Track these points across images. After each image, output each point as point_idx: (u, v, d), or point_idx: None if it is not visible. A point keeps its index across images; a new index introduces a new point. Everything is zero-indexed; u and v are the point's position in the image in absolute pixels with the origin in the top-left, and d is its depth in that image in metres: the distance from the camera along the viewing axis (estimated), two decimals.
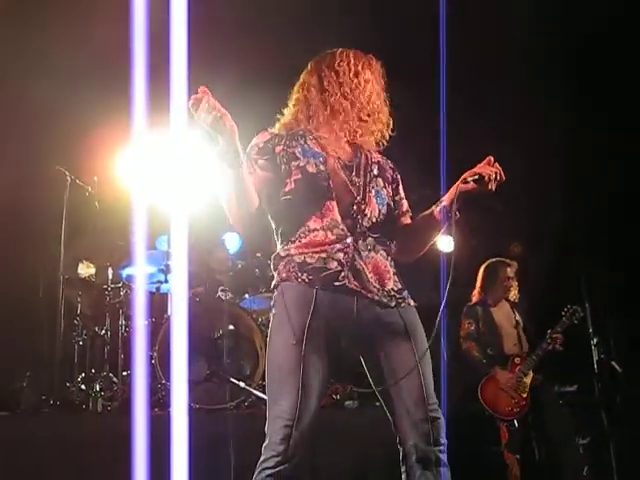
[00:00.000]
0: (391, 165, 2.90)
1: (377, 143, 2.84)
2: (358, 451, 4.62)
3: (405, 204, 2.89)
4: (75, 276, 6.13)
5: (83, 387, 5.39)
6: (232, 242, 7.16)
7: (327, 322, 2.52)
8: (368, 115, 2.76)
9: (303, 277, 2.55)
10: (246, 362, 5.23)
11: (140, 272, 5.67)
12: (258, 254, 6.37)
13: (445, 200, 2.66)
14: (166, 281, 5.68)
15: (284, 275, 2.60)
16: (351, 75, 2.75)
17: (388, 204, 2.76)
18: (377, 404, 5.09)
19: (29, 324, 6.41)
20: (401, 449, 2.59)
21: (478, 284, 6.00)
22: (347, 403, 5.39)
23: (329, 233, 2.59)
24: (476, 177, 2.57)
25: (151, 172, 7.24)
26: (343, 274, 2.55)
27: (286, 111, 2.85)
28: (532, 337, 5.79)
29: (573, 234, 6.66)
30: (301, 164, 2.67)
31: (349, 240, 2.59)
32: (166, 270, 5.64)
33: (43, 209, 6.69)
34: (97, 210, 6.35)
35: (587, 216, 6.64)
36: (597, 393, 5.91)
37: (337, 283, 2.54)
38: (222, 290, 6.03)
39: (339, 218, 2.61)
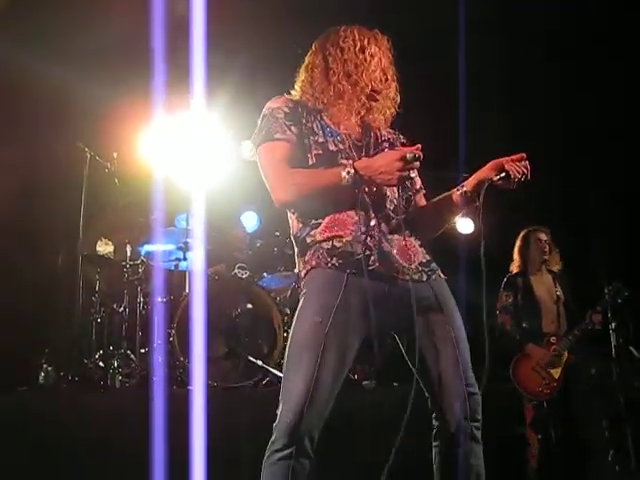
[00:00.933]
0: (402, 140, 2.83)
1: (387, 120, 2.77)
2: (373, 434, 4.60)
3: (418, 181, 2.82)
4: (94, 253, 6.14)
5: (101, 364, 5.41)
6: (250, 221, 7.17)
7: (357, 305, 2.46)
8: (375, 92, 2.69)
9: (333, 262, 2.50)
10: (264, 341, 5.22)
11: (159, 249, 5.72)
12: (277, 233, 6.36)
13: (467, 187, 2.58)
14: (184, 259, 5.67)
15: (314, 263, 2.55)
16: (356, 51, 2.67)
17: (405, 185, 2.70)
18: (395, 384, 5.16)
19: (48, 301, 6.45)
20: (436, 424, 2.56)
21: (515, 255, 5.87)
22: (365, 383, 5.37)
23: (352, 213, 2.54)
24: (503, 175, 2.51)
25: (171, 150, 7.26)
26: (373, 258, 2.50)
27: (293, 92, 2.77)
28: (572, 315, 5.67)
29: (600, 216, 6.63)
30: (320, 140, 2.62)
31: (373, 222, 2.55)
32: (185, 248, 5.63)
33: (63, 185, 6.71)
34: (116, 187, 6.35)
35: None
36: (615, 377, 5.84)
37: (369, 268, 2.48)
38: (240, 268, 6.03)
39: (367, 199, 2.56)
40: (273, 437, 2.44)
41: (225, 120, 7.09)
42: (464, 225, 7.07)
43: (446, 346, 2.52)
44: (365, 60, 2.67)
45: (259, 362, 4.95)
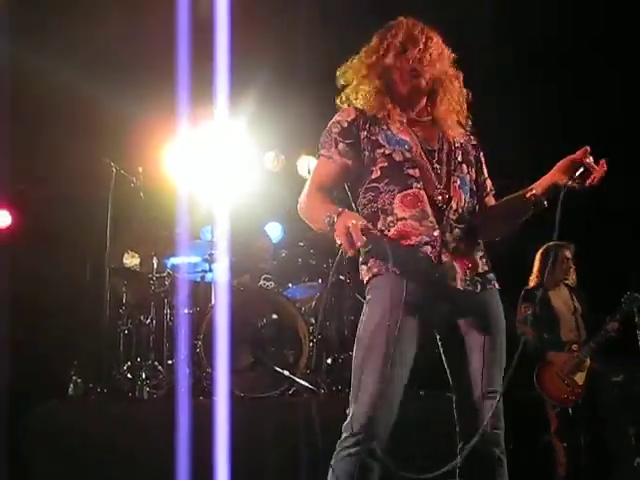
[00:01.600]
0: (474, 143, 2.79)
1: (458, 117, 2.73)
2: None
3: (489, 184, 2.80)
4: (121, 266, 6.21)
5: (129, 375, 5.45)
6: (274, 231, 7.21)
7: (416, 311, 2.49)
8: (435, 81, 2.66)
9: (394, 269, 2.49)
10: (290, 351, 5.24)
11: (185, 262, 5.76)
12: (300, 243, 6.38)
13: (537, 190, 2.52)
14: (210, 270, 5.72)
15: (375, 270, 2.57)
16: (421, 46, 2.61)
17: (471, 189, 2.68)
18: (421, 392, 5.15)
19: (76, 313, 6.52)
20: (457, 428, 2.60)
21: (536, 268, 5.86)
22: None
23: (418, 224, 2.54)
24: (582, 170, 2.39)
25: (195, 163, 7.32)
26: (433, 268, 2.52)
27: (353, 94, 2.73)
28: (590, 324, 5.66)
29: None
30: (387, 152, 2.60)
31: (436, 233, 2.54)
32: (210, 259, 5.67)
33: (89, 200, 6.78)
34: (142, 201, 6.41)
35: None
36: None
37: (429, 278, 2.51)
38: (265, 279, 6.06)
39: (429, 209, 2.55)
40: (344, 435, 2.46)
41: (249, 131, 7.15)
42: None
43: (473, 351, 2.55)
44: (419, 51, 2.61)
45: (285, 372, 4.97)
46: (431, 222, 2.53)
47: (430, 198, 2.56)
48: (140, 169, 6.53)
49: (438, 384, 3.40)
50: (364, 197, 2.66)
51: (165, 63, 5.85)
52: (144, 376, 5.30)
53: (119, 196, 5.96)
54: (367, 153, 2.62)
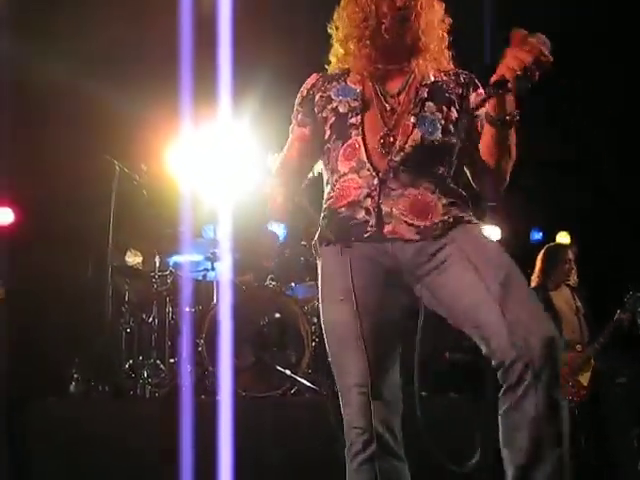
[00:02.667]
0: (462, 81, 2.43)
1: (439, 61, 2.41)
2: None
3: (473, 103, 2.39)
4: (123, 264, 6.20)
5: (131, 374, 5.45)
6: (277, 230, 7.18)
7: (367, 278, 2.25)
8: (417, 36, 2.36)
9: (329, 236, 2.33)
10: (292, 350, 5.22)
11: (187, 260, 5.75)
12: (303, 242, 6.36)
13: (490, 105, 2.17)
14: (212, 269, 5.70)
15: (317, 236, 2.40)
16: None
17: (444, 128, 2.32)
18: (423, 393, 5.13)
19: (78, 312, 6.51)
20: (501, 372, 2.05)
21: (537, 268, 5.83)
22: None
23: (356, 176, 2.30)
24: (502, 81, 2.03)
25: (198, 161, 7.31)
26: (371, 222, 2.26)
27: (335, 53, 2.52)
28: (593, 324, 5.64)
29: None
30: (334, 105, 2.41)
31: (375, 181, 2.27)
32: (213, 258, 5.66)
33: (91, 198, 6.77)
34: (145, 198, 6.40)
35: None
36: None
37: (366, 234, 2.26)
38: (270, 279, 6.06)
39: (364, 157, 2.29)
40: (348, 443, 2.26)
41: (253, 131, 7.13)
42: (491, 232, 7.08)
43: (464, 278, 2.17)
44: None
45: (287, 371, 4.96)
46: (368, 170, 2.28)
47: (372, 144, 2.31)
48: (143, 167, 6.52)
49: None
50: (324, 161, 2.48)
51: (168, 61, 5.84)
52: (146, 374, 5.30)
53: (122, 194, 5.95)
54: (320, 114, 2.44)
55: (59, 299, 5.50)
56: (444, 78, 2.43)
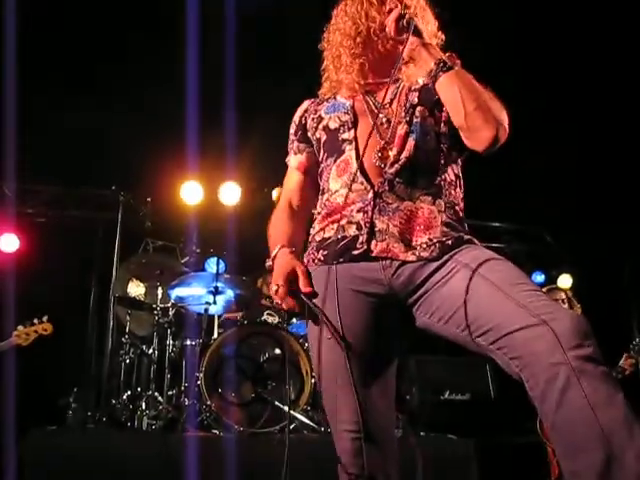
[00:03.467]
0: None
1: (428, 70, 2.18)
2: None
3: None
4: (125, 294, 6.21)
5: (129, 405, 5.44)
6: None
7: (356, 314, 2.09)
8: (378, 31, 2.27)
9: (319, 256, 2.16)
10: (291, 386, 5.22)
11: (189, 293, 5.76)
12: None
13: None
14: (214, 303, 5.71)
15: (305, 260, 2.22)
16: (354, 7, 2.32)
17: (437, 133, 2.21)
18: (422, 434, 5.12)
19: (79, 341, 6.52)
20: (529, 368, 1.80)
21: None
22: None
23: (348, 191, 2.14)
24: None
25: (204, 196, 7.37)
26: (361, 239, 2.09)
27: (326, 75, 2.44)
28: None
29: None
30: (324, 123, 2.32)
31: (370, 195, 2.12)
32: (215, 292, 5.67)
33: (97, 227, 6.83)
34: (149, 230, 6.44)
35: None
36: None
37: (355, 252, 2.09)
38: (269, 314, 6.06)
39: (358, 170, 2.15)
40: None
41: (256, 166, 7.18)
42: None
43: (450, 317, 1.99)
44: (360, 3, 2.30)
45: (286, 408, 4.94)
46: (362, 184, 2.14)
47: (367, 158, 2.16)
48: (149, 199, 6.58)
49: None
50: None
51: (179, 98, 5.94)
52: (144, 406, 5.29)
53: (127, 224, 5.99)
54: (314, 136, 2.36)
55: (61, 327, 5.48)
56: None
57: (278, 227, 2.35)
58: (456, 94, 2.05)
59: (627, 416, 1.68)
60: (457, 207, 2.19)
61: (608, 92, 6.51)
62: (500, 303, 1.88)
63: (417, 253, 2.06)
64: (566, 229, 8.18)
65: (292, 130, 2.48)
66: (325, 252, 2.16)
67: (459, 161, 2.29)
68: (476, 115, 2.04)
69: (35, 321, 5.08)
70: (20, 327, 5.05)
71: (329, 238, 2.16)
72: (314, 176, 2.41)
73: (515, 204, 7.60)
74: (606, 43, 6.15)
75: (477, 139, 2.07)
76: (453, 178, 2.22)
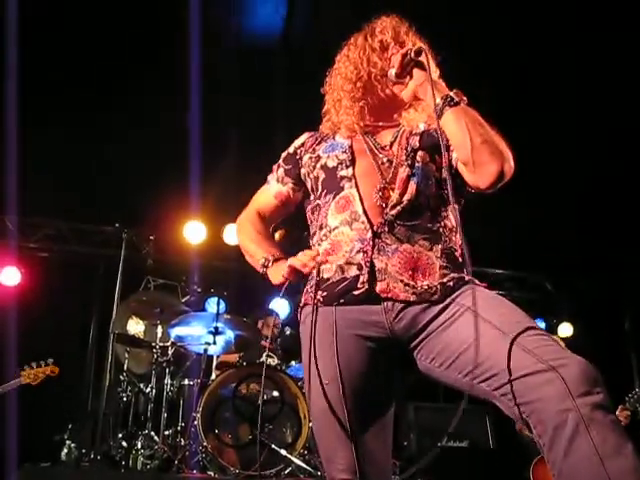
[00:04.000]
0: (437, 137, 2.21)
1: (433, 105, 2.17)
2: None
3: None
4: (124, 332, 6.20)
5: (124, 443, 5.40)
6: (282, 308, 7.19)
7: (355, 358, 2.06)
8: (379, 76, 2.31)
9: (318, 297, 2.13)
10: (289, 430, 5.18)
11: (189, 332, 5.75)
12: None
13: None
14: (214, 343, 5.68)
15: (303, 298, 2.21)
16: (355, 48, 2.37)
17: (438, 178, 2.21)
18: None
19: (76, 377, 6.49)
20: (535, 416, 1.77)
21: None
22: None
23: (349, 229, 2.13)
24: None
25: (207, 233, 7.39)
26: (362, 279, 2.06)
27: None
28: None
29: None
30: (322, 162, 2.32)
31: (369, 235, 2.09)
32: (215, 332, 5.64)
33: (98, 263, 6.83)
34: (151, 268, 6.44)
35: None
36: None
37: (357, 292, 2.06)
38: (268, 356, 6.04)
39: (360, 209, 2.13)
40: None
41: None
42: None
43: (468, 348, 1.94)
44: (363, 49, 2.35)
45: (282, 451, 4.90)
46: (362, 223, 2.11)
47: (368, 197, 2.15)
48: (152, 237, 6.59)
49: None
50: (310, 221, 2.36)
51: (181, 138, 6.01)
52: (139, 445, 5.24)
53: (129, 261, 5.99)
54: (312, 175, 2.34)
55: (59, 361, 5.46)
56: (433, 125, 2.27)
57: (260, 235, 2.43)
58: (463, 127, 2.03)
59: (636, 467, 1.64)
60: (456, 253, 2.16)
61: (605, 141, 6.56)
62: (505, 348, 1.84)
63: (418, 293, 2.03)
64: (567, 277, 8.19)
65: (283, 156, 2.50)
66: (325, 293, 2.12)
67: (459, 207, 2.25)
68: (483, 149, 2.01)
69: (42, 363, 5.09)
70: (27, 367, 5.05)
71: (329, 279, 2.13)
72: (287, 208, 2.50)
73: (516, 251, 7.63)
74: (604, 90, 6.20)
75: (483, 173, 2.04)
76: (454, 224, 2.19)
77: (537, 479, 5.48)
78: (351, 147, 2.31)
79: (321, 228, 2.24)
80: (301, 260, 2.14)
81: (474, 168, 2.04)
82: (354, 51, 2.37)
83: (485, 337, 1.90)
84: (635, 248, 7.14)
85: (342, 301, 2.09)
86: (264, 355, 5.96)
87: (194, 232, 7.33)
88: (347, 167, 2.24)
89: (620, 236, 7.17)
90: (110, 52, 5.97)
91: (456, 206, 2.15)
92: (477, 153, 2.01)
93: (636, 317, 7.87)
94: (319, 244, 2.22)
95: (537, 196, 6.65)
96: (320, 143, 2.41)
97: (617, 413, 5.31)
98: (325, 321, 2.11)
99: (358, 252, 2.09)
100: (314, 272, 2.16)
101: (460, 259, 2.15)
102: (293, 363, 5.86)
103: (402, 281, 2.04)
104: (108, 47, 5.95)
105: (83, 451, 5.29)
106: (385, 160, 2.24)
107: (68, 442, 5.39)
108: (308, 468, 4.89)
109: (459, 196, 2.24)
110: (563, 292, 8.40)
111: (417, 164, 2.19)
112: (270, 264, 2.26)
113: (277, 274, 2.22)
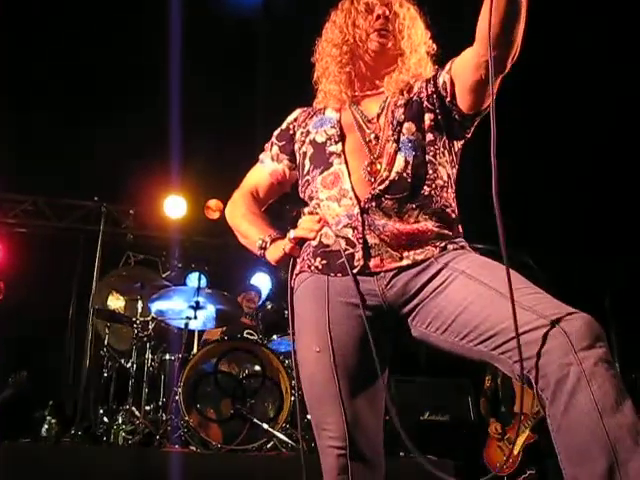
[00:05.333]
0: (432, 88, 2.21)
1: (418, 74, 2.27)
2: None
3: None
4: (104, 307, 6.15)
5: (105, 419, 5.38)
6: (264, 282, 7.17)
7: (347, 326, 2.07)
8: (378, 54, 2.30)
9: (316, 264, 2.14)
10: (271, 404, 5.17)
11: (169, 307, 5.71)
12: None
13: None
14: (195, 317, 5.65)
15: (299, 266, 2.20)
16: (340, 18, 2.35)
17: (425, 146, 2.18)
18: (402, 454, 5.07)
19: (57, 353, 6.45)
20: (536, 373, 1.75)
21: None
22: None
23: (336, 204, 2.14)
24: None
25: (188, 208, 7.34)
26: (357, 256, 2.07)
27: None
28: None
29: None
30: (311, 137, 2.31)
31: (356, 211, 2.10)
32: (196, 306, 5.61)
33: (77, 238, 6.77)
34: (131, 243, 6.39)
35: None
36: None
37: (354, 270, 2.06)
38: (249, 333, 6.04)
39: (349, 185, 2.14)
40: None
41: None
42: None
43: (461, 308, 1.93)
44: (348, 12, 2.34)
45: (264, 425, 4.90)
46: (350, 199, 2.11)
47: (356, 173, 2.16)
48: (131, 211, 6.53)
49: None
50: (302, 198, 2.35)
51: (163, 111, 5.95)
52: (120, 421, 5.21)
53: (109, 237, 5.95)
54: (301, 150, 2.34)
55: (38, 339, 5.44)
56: (416, 91, 2.26)
57: (255, 215, 2.39)
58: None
59: (635, 424, 1.64)
60: (449, 209, 2.16)
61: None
62: (504, 307, 1.81)
63: (411, 257, 2.04)
64: (548, 255, 8.20)
65: (276, 133, 2.49)
66: (325, 262, 2.12)
67: (453, 156, 2.26)
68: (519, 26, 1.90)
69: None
70: None
71: (327, 246, 2.13)
72: (282, 187, 2.48)
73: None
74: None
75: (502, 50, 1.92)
76: (445, 179, 2.19)
77: (487, 452, 5.73)
78: (339, 122, 2.28)
79: (311, 199, 2.25)
80: (305, 227, 2.15)
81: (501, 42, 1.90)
82: (340, 15, 2.36)
83: (481, 298, 1.88)
84: (616, 231, 7.17)
85: (340, 275, 2.09)
86: (245, 332, 5.96)
87: (174, 207, 7.27)
88: (336, 143, 2.23)
89: (600, 219, 7.20)
90: (93, 31, 5.90)
91: (453, 156, 2.23)
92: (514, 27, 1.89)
93: (616, 295, 7.89)
94: (311, 213, 2.23)
95: (520, 173, 6.65)
96: (312, 118, 2.38)
97: None
98: (318, 289, 2.12)
99: (345, 226, 2.10)
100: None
101: (454, 214, 2.16)
102: (275, 337, 5.84)
103: (394, 253, 2.05)
104: (90, 27, 5.88)
105: (64, 427, 5.26)
106: (372, 136, 2.22)
107: (49, 418, 5.35)
108: (290, 442, 4.89)
109: (456, 139, 2.25)
110: (544, 269, 8.42)
111: (403, 137, 2.17)
112: (268, 245, 2.23)
113: (276, 252, 2.20)
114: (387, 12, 2.29)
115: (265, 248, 2.24)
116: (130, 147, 6.44)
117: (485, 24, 1.87)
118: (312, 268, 2.14)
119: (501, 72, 2.01)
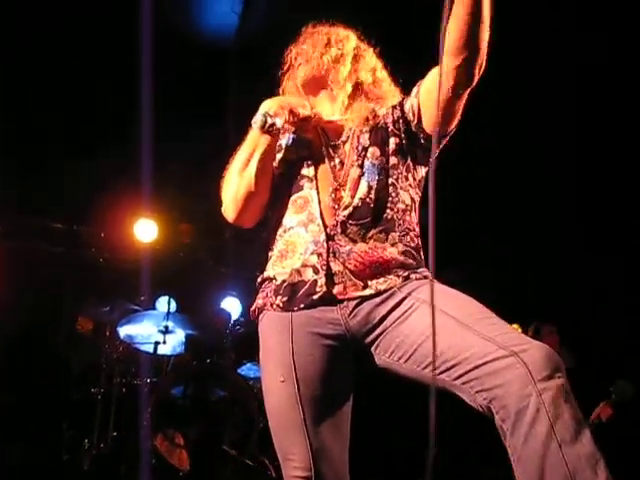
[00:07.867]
0: (399, 113, 2.24)
1: (383, 101, 2.35)
2: None
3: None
4: (73, 331, 6.10)
5: (71, 444, 5.32)
6: (233, 307, 7.15)
7: (311, 356, 2.07)
8: (309, 82, 2.39)
9: (277, 302, 2.14)
10: (239, 430, 5.15)
11: (138, 331, 5.68)
12: None
13: None
14: (164, 342, 5.62)
15: (260, 302, 2.21)
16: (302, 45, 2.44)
17: (389, 170, 2.20)
18: None
19: (25, 377, 6.37)
20: (497, 404, 1.79)
21: None
22: None
23: (304, 230, 2.16)
24: None
25: (158, 232, 7.31)
26: (320, 282, 2.08)
27: None
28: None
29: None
30: (282, 155, 2.34)
31: (322, 238, 2.12)
32: (165, 331, 5.58)
33: (49, 262, 6.71)
34: (101, 265, 6.35)
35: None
36: None
37: (315, 296, 2.08)
38: (219, 356, 6.02)
39: (317, 211, 2.16)
40: None
41: (208, 210, 7.15)
42: None
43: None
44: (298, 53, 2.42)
45: (233, 452, 4.87)
46: (318, 225, 2.13)
47: (323, 199, 2.18)
48: (102, 234, 6.50)
49: None
50: (269, 218, 2.33)
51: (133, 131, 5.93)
52: (87, 446, 5.17)
53: (79, 259, 5.91)
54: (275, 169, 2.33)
55: (10, 364, 5.36)
56: (380, 115, 2.30)
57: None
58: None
59: (593, 454, 1.67)
60: (412, 233, 2.20)
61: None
62: (465, 337, 1.85)
63: (374, 287, 2.06)
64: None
65: None
66: (285, 298, 2.13)
67: (417, 182, 2.28)
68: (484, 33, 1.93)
69: None
70: None
71: (286, 282, 2.15)
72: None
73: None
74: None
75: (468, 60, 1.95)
76: (408, 203, 2.22)
77: None
78: (312, 145, 2.31)
79: (277, 226, 2.25)
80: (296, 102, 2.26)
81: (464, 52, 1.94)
82: (302, 42, 2.44)
83: (443, 328, 1.88)
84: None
85: (302, 306, 2.10)
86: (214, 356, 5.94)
87: (145, 230, 7.23)
88: (308, 166, 2.26)
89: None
90: (62, 61, 5.90)
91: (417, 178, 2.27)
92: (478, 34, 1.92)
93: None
94: (276, 245, 2.23)
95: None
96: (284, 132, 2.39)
97: (600, 408, 5.27)
98: (282, 320, 2.13)
99: (312, 254, 2.12)
100: (275, 274, 2.19)
101: (417, 239, 2.19)
102: (244, 362, 5.82)
103: (358, 282, 2.07)
104: (59, 55, 5.88)
105: (30, 452, 5.20)
106: (337, 162, 2.25)
107: (16, 443, 5.29)
108: (259, 468, 4.87)
109: (420, 164, 2.27)
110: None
111: (367, 161, 2.20)
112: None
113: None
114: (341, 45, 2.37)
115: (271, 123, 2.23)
116: (101, 169, 6.41)
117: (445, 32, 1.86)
118: (274, 307, 2.15)
119: (468, 85, 2.03)
